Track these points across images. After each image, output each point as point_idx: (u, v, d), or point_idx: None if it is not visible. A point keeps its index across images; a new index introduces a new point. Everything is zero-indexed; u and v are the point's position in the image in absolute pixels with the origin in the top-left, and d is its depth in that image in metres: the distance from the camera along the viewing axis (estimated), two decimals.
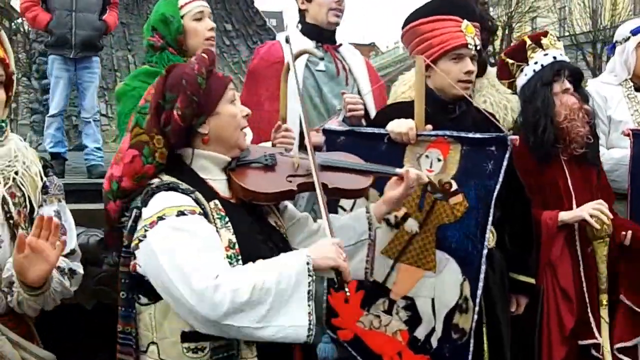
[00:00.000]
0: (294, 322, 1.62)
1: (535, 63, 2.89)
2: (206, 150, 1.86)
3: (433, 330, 2.48)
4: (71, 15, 5.00)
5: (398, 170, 2.12)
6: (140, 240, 1.70)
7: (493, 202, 2.35)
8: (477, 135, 2.42)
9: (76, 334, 2.90)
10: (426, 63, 2.53)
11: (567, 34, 21.77)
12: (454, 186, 2.38)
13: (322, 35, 3.11)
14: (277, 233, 1.95)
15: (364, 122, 2.96)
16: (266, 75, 3.07)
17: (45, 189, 1.99)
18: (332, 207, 2.43)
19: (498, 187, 2.35)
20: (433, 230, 2.46)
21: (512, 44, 4.08)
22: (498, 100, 3.01)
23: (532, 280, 2.74)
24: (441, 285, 2.44)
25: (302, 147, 2.48)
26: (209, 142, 1.85)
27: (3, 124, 1.93)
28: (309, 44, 3.06)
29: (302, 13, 3.18)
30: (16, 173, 1.91)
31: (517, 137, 2.38)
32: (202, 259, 1.63)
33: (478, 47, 2.61)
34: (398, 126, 2.50)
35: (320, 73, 3.07)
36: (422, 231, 2.47)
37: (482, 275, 2.34)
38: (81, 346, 2.88)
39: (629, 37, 3.31)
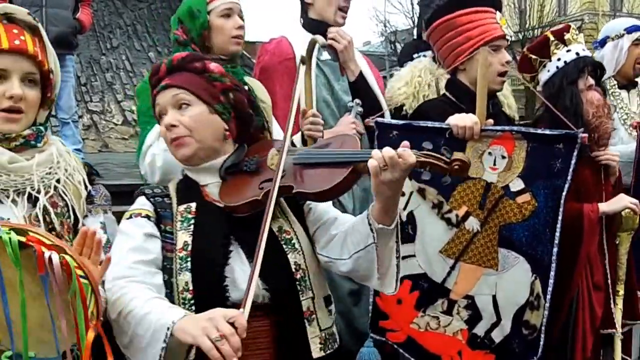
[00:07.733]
0: None
1: (559, 60, 2.81)
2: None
3: (494, 325, 2.49)
4: (41, 10, 4.73)
5: (374, 152, 1.57)
6: None
7: (563, 200, 2.35)
8: (547, 132, 2.39)
9: None
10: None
11: None
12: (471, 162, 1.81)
13: (326, 32, 2.90)
14: (272, 240, 1.68)
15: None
16: (279, 72, 2.90)
17: (90, 199, 1.83)
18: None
19: (567, 186, 2.35)
20: (496, 229, 2.45)
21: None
22: (507, 94, 3.04)
23: None
24: (506, 283, 2.45)
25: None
26: None
27: (42, 128, 1.77)
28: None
29: (304, 7, 3.00)
30: (57, 181, 1.74)
31: (586, 134, 2.35)
32: (122, 258, 1.66)
33: (509, 39, 2.60)
34: (462, 120, 2.41)
35: (329, 70, 2.95)
36: (484, 229, 2.46)
37: (552, 273, 2.36)
38: None
39: (623, 35, 3.34)
